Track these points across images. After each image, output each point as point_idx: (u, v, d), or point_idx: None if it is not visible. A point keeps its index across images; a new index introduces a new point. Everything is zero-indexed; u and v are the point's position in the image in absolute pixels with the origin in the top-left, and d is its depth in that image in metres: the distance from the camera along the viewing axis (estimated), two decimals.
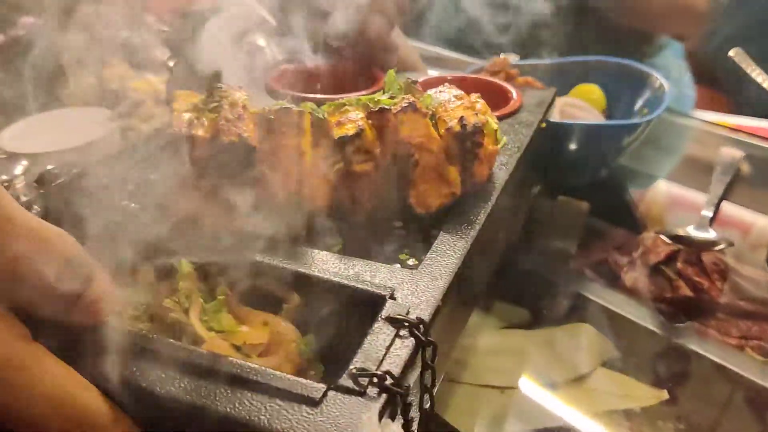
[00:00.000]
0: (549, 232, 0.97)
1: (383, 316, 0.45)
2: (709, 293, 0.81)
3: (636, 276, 0.85)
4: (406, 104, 0.58)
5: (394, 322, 0.45)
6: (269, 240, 0.55)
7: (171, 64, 1.03)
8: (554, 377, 0.74)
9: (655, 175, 1.13)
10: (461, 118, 0.60)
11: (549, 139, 0.83)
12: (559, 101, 0.99)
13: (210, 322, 0.48)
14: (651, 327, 0.79)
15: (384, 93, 0.63)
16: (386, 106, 0.59)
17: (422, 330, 0.45)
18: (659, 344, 0.79)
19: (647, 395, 0.72)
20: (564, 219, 1.00)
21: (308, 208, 0.58)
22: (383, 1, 0.89)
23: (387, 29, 0.89)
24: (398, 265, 0.53)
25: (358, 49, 0.88)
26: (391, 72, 0.64)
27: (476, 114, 0.61)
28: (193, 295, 0.48)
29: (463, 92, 0.64)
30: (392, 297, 0.48)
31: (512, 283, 0.85)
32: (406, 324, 0.45)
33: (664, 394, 0.71)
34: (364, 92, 0.83)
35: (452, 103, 0.62)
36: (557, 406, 0.71)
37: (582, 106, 1.00)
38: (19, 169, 0.88)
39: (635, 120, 0.99)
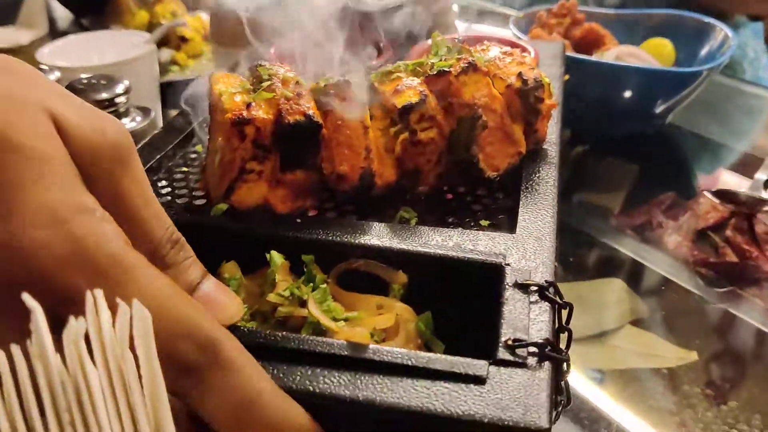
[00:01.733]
0: (591, 189, 0.93)
1: (510, 284, 0.44)
2: (757, 262, 0.78)
3: (680, 240, 0.82)
4: (466, 64, 0.56)
5: (523, 288, 0.43)
6: (347, 220, 0.53)
7: None
8: (577, 331, 0.73)
9: (723, 145, 1.06)
10: (520, 74, 0.58)
11: (599, 82, 0.80)
12: (616, 49, 0.98)
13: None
14: (688, 287, 0.76)
15: (432, 56, 0.61)
16: (445, 69, 0.56)
17: (553, 292, 0.43)
18: (695, 305, 0.75)
19: (674, 356, 0.69)
20: (610, 178, 0.97)
21: (378, 183, 0.55)
22: None
23: None
24: (495, 232, 0.51)
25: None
26: (435, 33, 0.62)
27: (531, 68, 0.59)
28: (301, 286, 0.45)
29: (508, 47, 0.62)
30: (507, 264, 0.46)
31: None
32: (536, 288, 0.43)
33: (693, 356, 0.68)
34: (378, 60, 0.80)
35: (502, 60, 0.60)
36: (577, 361, 0.69)
37: (643, 57, 0.98)
38: (52, 77, 0.86)
39: (693, 68, 0.96)
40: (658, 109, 0.96)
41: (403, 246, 0.48)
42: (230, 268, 0.49)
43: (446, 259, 0.47)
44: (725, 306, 0.74)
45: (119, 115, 0.80)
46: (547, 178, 0.57)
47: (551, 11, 1.03)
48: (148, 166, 0.61)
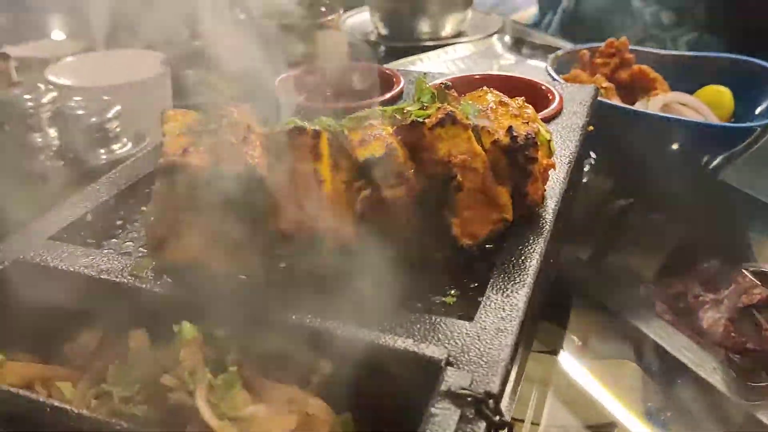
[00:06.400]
0: (626, 249, 0.83)
1: (442, 390, 0.36)
2: None
3: (717, 318, 0.69)
4: (444, 116, 0.49)
5: (457, 398, 0.35)
6: (285, 290, 0.46)
7: None
8: (573, 419, 0.62)
9: None
10: (510, 129, 0.50)
11: (642, 133, 0.70)
12: (668, 95, 0.88)
13: (221, 403, 0.38)
14: (716, 381, 0.63)
15: (413, 101, 0.53)
16: (419, 119, 0.49)
17: (492, 407, 0.35)
18: (723, 403, 0.62)
19: None
20: (650, 237, 0.85)
21: (331, 244, 0.48)
22: None
23: None
24: (451, 318, 0.43)
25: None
26: (421, 78, 0.55)
27: (526, 122, 0.51)
28: (198, 369, 0.38)
29: (506, 97, 0.54)
30: (449, 363, 0.38)
31: (564, 305, 0.72)
32: (471, 399, 0.35)
33: None
34: (380, 98, 0.74)
35: (496, 111, 0.52)
36: None
37: (696, 106, 0.86)
38: (47, 98, 0.79)
39: (744, 124, 0.83)
40: (709, 165, 0.84)
41: (328, 326, 0.40)
42: (137, 337, 0.43)
43: (376, 348, 0.39)
44: (759, 403, 0.61)
45: (108, 141, 0.76)
46: (531, 254, 0.48)
47: (598, 50, 0.93)
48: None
